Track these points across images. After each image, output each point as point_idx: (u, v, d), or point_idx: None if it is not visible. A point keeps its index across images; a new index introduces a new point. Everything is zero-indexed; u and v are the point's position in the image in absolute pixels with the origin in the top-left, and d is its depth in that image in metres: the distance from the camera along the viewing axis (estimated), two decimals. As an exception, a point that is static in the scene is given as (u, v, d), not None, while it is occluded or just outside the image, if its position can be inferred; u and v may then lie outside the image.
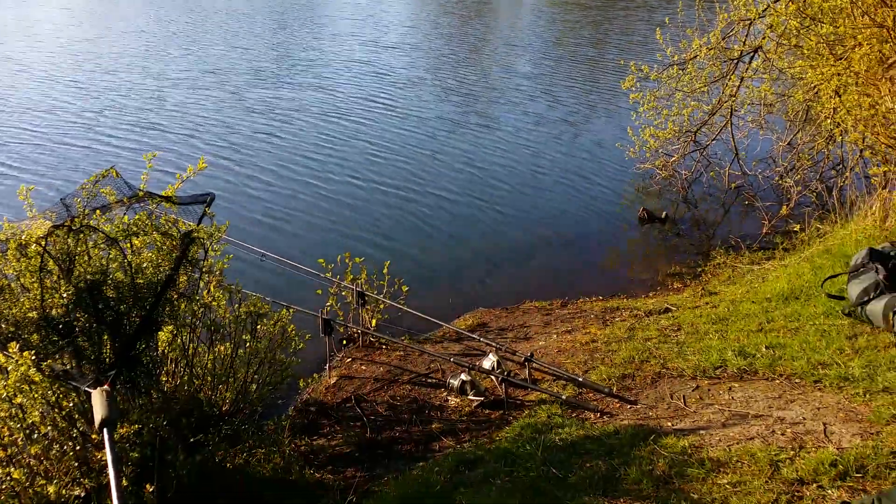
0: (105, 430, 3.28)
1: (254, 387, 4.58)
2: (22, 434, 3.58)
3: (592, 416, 4.62)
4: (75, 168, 10.74)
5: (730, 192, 10.60)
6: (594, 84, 17.17)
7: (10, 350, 3.58)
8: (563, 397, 4.73)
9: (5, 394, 3.56)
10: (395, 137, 12.65)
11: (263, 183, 10.50)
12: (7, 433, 3.57)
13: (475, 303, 7.40)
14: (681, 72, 10.57)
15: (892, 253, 5.85)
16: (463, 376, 5.15)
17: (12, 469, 3.42)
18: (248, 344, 4.52)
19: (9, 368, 3.57)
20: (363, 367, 5.90)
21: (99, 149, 11.76)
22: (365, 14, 28.47)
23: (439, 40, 23.47)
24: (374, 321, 6.29)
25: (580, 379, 4.87)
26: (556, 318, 6.73)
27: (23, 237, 3.88)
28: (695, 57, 10.47)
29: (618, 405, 4.67)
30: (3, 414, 3.57)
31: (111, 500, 2.88)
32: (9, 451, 3.53)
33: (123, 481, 3.41)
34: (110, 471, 2.99)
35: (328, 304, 6.34)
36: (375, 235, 9.00)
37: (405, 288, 6.66)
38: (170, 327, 4.17)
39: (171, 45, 20.96)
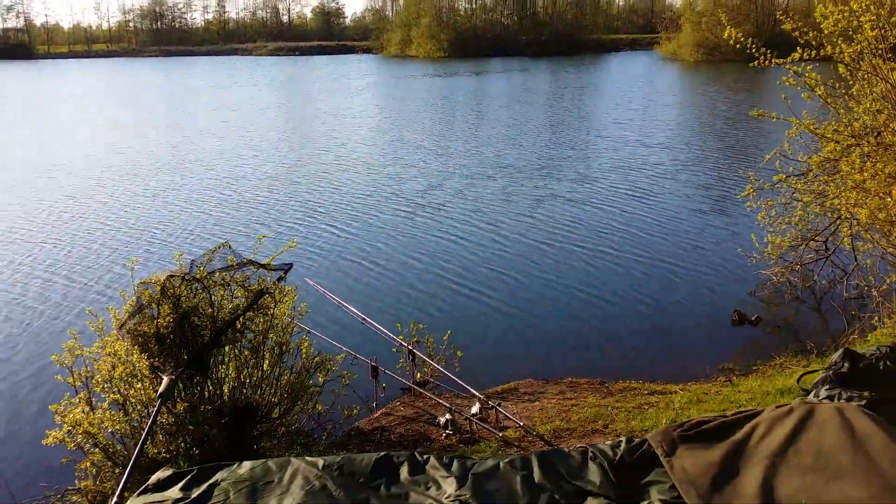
0: (160, 400, 5.46)
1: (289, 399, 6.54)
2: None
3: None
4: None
5: (848, 303, 10.66)
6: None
7: (134, 352, 5.97)
8: (500, 434, 6.03)
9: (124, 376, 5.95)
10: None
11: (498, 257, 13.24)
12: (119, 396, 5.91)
13: (527, 374, 8.70)
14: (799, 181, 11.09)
15: (871, 356, 6.29)
16: (447, 416, 6.64)
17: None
18: (276, 367, 6.50)
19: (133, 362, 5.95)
20: (402, 408, 7.58)
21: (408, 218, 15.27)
22: (633, 117, 32.06)
23: (710, 140, 26.05)
24: (419, 375, 7.98)
25: (521, 424, 6.13)
26: (576, 390, 7.85)
27: (152, 280, 6.30)
28: (810, 171, 10.94)
29: (541, 445, 5.86)
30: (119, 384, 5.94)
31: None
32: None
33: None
34: (150, 420, 5.12)
35: (401, 360, 8.18)
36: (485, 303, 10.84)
37: (459, 353, 8.30)
38: (228, 347, 6.34)
39: (456, 142, 26.86)
